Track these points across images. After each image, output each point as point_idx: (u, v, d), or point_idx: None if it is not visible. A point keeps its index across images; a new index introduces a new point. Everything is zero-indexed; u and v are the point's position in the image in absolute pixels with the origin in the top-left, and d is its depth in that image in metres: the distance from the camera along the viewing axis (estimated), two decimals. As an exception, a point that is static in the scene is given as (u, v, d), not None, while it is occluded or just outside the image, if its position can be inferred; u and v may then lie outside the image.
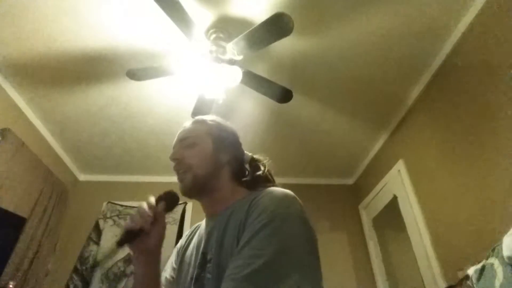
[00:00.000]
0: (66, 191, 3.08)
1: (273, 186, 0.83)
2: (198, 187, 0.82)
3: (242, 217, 0.70)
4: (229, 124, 0.95)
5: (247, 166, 0.92)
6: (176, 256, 0.93)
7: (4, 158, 2.30)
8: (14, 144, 2.39)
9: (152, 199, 0.77)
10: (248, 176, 0.90)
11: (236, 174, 0.88)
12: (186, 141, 0.86)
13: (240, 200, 0.79)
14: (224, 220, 0.76)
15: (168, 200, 0.79)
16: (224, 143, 0.88)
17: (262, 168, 0.89)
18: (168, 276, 0.90)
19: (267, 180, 0.88)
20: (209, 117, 0.94)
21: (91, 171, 3.41)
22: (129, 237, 0.72)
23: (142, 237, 0.74)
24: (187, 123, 0.93)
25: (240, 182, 0.88)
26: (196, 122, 0.92)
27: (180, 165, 0.83)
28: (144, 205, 0.75)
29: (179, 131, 0.91)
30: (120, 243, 0.71)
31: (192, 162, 0.82)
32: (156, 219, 0.75)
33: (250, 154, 0.95)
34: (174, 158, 0.85)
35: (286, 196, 0.71)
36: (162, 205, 0.77)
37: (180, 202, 3.76)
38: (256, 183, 0.86)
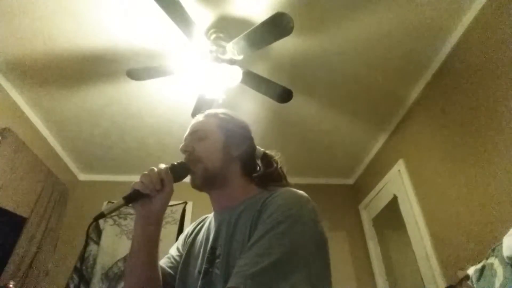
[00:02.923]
0: (66, 191, 3.08)
1: (286, 185, 0.82)
2: (209, 180, 0.81)
3: (254, 215, 0.70)
4: (241, 118, 0.94)
5: (258, 161, 0.91)
6: (183, 241, 0.92)
7: (4, 158, 2.30)
8: (14, 144, 2.39)
9: (163, 165, 0.78)
10: (259, 171, 0.89)
11: (247, 169, 0.86)
12: (197, 134, 0.85)
13: (252, 198, 0.78)
14: (235, 217, 0.75)
15: (178, 169, 0.79)
16: (235, 137, 0.87)
17: (274, 164, 0.88)
18: (171, 258, 0.89)
19: (279, 177, 0.87)
20: (221, 111, 0.93)
21: (91, 171, 3.41)
22: (135, 196, 0.73)
23: (147, 199, 0.74)
24: (200, 116, 0.92)
25: (251, 177, 0.87)
26: (208, 115, 0.91)
27: (190, 156, 0.82)
28: (155, 169, 0.76)
29: (191, 123, 0.90)
30: (126, 200, 0.72)
31: (202, 154, 0.82)
32: (164, 185, 0.75)
33: (262, 149, 0.93)
34: (185, 150, 0.84)
35: (299, 197, 0.71)
36: (172, 173, 0.77)
37: (180, 202, 3.72)
38: (268, 180, 0.85)
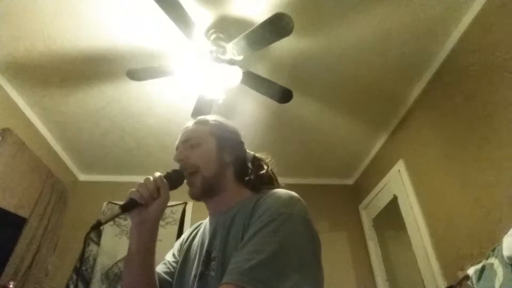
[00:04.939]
0: (66, 191, 3.08)
1: (277, 187, 0.83)
2: (207, 190, 0.82)
3: (247, 216, 0.71)
4: (231, 123, 0.95)
5: (249, 165, 0.92)
6: (179, 247, 0.93)
7: (4, 158, 2.30)
8: (14, 144, 2.39)
9: (158, 173, 0.78)
10: (251, 175, 0.89)
11: (239, 173, 0.88)
12: (189, 142, 0.86)
13: (244, 200, 0.80)
14: (229, 220, 0.77)
15: (174, 177, 0.80)
16: (227, 142, 0.88)
17: (265, 167, 0.89)
18: (167, 263, 0.90)
19: (270, 179, 0.88)
20: (211, 117, 0.94)
21: (91, 171, 3.41)
22: (132, 205, 0.74)
23: (143, 208, 0.75)
24: (190, 123, 0.92)
25: (244, 182, 0.88)
26: (198, 123, 0.92)
27: (185, 165, 0.83)
28: (151, 178, 0.76)
29: (181, 132, 0.91)
30: (123, 209, 0.73)
31: (197, 162, 0.82)
32: (160, 194, 0.76)
33: (252, 153, 0.94)
34: (178, 159, 0.85)
35: (290, 197, 0.73)
36: (167, 181, 0.78)
37: (180, 202, 3.73)
38: (260, 183, 0.86)
